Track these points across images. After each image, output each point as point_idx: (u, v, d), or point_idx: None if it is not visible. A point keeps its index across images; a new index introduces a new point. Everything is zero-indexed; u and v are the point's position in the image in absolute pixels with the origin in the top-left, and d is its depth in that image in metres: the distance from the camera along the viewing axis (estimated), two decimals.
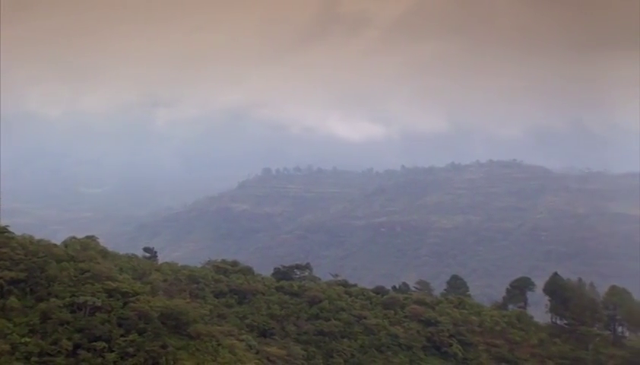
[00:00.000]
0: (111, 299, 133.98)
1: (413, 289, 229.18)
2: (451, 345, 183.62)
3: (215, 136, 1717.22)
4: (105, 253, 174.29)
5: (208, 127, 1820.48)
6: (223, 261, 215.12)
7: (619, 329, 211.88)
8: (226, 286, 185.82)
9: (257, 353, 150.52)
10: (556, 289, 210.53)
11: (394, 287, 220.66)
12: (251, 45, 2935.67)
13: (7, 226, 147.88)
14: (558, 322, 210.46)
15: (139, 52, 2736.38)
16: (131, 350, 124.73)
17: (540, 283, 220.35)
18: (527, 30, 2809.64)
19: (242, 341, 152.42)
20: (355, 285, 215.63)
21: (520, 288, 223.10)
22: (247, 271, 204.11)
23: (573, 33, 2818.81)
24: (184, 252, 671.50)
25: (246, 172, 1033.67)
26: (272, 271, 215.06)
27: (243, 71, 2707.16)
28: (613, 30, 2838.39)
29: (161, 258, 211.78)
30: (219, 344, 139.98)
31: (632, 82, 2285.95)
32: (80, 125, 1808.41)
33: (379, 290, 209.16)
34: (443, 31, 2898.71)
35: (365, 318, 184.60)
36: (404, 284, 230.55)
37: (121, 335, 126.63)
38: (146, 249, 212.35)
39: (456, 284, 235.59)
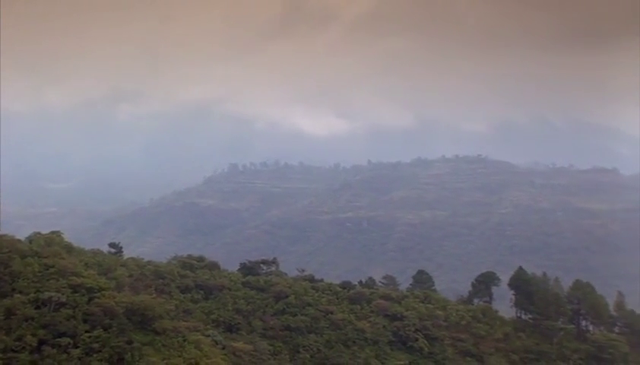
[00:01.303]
0: (76, 294, 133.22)
1: (380, 284, 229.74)
2: (416, 340, 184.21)
3: (180, 131, 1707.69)
4: (70, 249, 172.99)
5: (173, 122, 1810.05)
6: (189, 256, 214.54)
7: (583, 323, 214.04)
8: (192, 281, 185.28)
9: (223, 348, 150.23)
10: (521, 283, 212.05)
11: (360, 282, 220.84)
12: (217, 39, 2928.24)
13: None
14: (522, 316, 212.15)
15: (103, 46, 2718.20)
16: (96, 346, 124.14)
17: (505, 277, 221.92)
18: (490, 26, 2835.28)
19: (208, 336, 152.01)
20: (321, 280, 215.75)
21: (485, 283, 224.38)
22: (213, 267, 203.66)
23: (536, 29, 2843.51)
24: (150, 247, 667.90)
25: (212, 167, 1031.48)
26: (238, 267, 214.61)
27: (208, 66, 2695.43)
28: (575, 27, 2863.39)
29: (127, 254, 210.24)
30: (185, 340, 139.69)
31: (595, 78, 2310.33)
32: (44, 120, 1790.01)
33: (346, 285, 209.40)
34: (407, 28, 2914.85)
35: (331, 313, 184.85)
36: (371, 278, 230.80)
37: (86, 331, 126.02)
38: (111, 245, 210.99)
39: (422, 279, 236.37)
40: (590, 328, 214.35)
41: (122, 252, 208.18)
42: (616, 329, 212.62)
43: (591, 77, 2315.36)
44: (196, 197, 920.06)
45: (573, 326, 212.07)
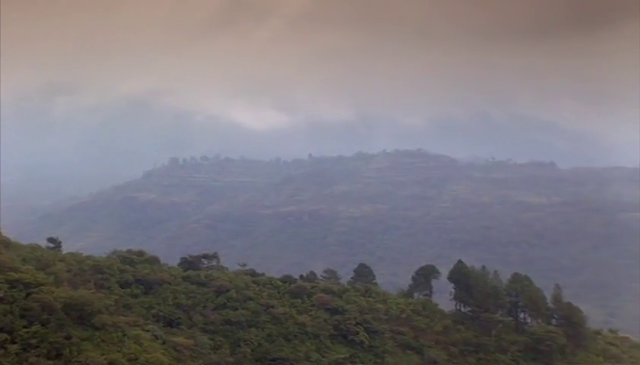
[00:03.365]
0: (13, 290, 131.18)
1: (321, 278, 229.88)
2: (357, 333, 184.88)
3: (119, 124, 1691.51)
4: (7, 243, 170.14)
5: (111, 115, 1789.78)
6: (129, 251, 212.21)
7: (521, 315, 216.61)
8: (132, 276, 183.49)
9: (163, 343, 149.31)
10: (460, 277, 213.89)
11: (301, 276, 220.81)
12: (156, 32, 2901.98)
13: None
14: (462, 309, 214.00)
15: (40, 37, 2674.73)
16: (34, 341, 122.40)
17: (445, 271, 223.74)
18: (429, 23, 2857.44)
19: (148, 331, 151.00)
20: (262, 274, 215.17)
21: (425, 276, 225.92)
22: (153, 261, 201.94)
23: (474, 26, 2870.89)
24: (89, 242, 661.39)
25: (151, 161, 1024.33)
26: (179, 261, 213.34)
27: (147, 59, 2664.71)
28: (513, 24, 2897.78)
29: (65, 249, 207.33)
30: (124, 335, 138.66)
31: (533, 72, 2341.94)
32: None
33: (287, 279, 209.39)
34: (348, 23, 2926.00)
35: (272, 307, 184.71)
36: (312, 272, 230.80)
37: (24, 327, 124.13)
38: (50, 239, 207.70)
39: (363, 273, 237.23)
40: (528, 320, 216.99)
41: (61, 246, 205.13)
42: (554, 321, 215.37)
43: (529, 73, 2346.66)
44: (136, 191, 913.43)
45: (511, 319, 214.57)
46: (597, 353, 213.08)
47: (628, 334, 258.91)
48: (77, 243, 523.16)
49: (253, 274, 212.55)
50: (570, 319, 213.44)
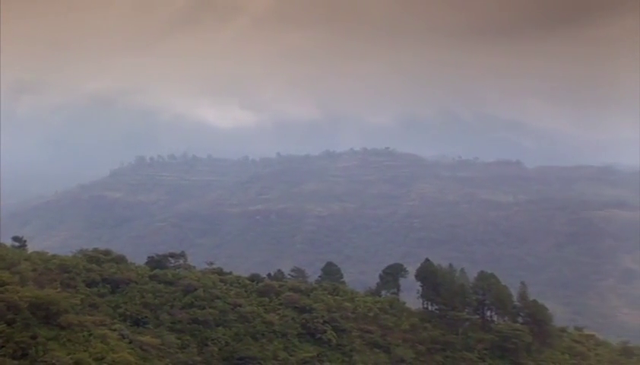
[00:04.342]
0: None
1: (289, 276, 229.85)
2: (325, 332, 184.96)
3: (84, 123, 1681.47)
4: None
5: (77, 114, 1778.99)
6: (96, 250, 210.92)
7: (488, 313, 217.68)
8: (99, 275, 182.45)
9: (130, 342, 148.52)
10: (428, 275, 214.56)
11: (269, 275, 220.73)
12: (121, 31, 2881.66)
13: None
14: (429, 307, 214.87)
15: (3, 36, 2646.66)
16: None
17: (412, 269, 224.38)
18: (396, 22, 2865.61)
19: (115, 330, 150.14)
20: (230, 273, 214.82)
21: (393, 274, 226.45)
22: (120, 260, 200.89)
23: (441, 24, 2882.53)
24: (55, 241, 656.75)
25: (118, 159, 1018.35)
26: (146, 260, 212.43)
27: (113, 57, 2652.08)
28: (480, 23, 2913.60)
29: (31, 248, 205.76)
30: (90, 334, 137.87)
31: (500, 71, 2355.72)
32: None
33: (254, 278, 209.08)
34: (314, 21, 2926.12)
35: (240, 306, 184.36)
36: (280, 271, 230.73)
37: None
38: (15, 238, 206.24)
39: (330, 271, 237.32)
40: (495, 318, 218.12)
41: (26, 245, 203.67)
42: (520, 319, 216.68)
43: (496, 73, 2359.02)
44: (102, 190, 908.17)
45: (478, 316, 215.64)
46: (562, 351, 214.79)
47: (594, 332, 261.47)
48: (43, 242, 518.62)
49: (221, 272, 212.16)
50: (536, 317, 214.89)
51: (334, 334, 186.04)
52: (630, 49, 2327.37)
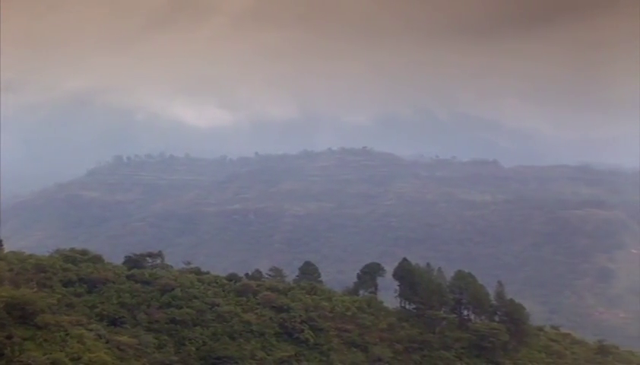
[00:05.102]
0: None
1: (266, 276, 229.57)
2: (302, 331, 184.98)
3: (61, 122, 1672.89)
4: None
5: (53, 113, 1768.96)
6: (72, 249, 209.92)
7: (465, 312, 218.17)
8: (75, 275, 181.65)
9: (107, 342, 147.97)
10: (405, 274, 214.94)
11: (247, 274, 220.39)
12: (99, 30, 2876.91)
13: None
14: (407, 306, 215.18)
15: None
16: None
17: (390, 268, 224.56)
18: (373, 21, 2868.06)
19: (92, 330, 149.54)
20: (208, 273, 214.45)
21: (370, 274, 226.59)
22: (97, 260, 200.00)
23: (418, 23, 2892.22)
24: (31, 240, 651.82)
25: (95, 158, 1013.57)
26: (123, 260, 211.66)
27: (90, 57, 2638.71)
28: (457, 22, 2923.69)
29: (7, 248, 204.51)
30: (67, 334, 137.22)
31: (476, 71, 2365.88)
32: None
33: (232, 278, 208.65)
34: (291, 21, 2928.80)
35: (217, 305, 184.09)
36: (257, 270, 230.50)
37: None
38: None
39: (308, 270, 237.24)
40: (472, 317, 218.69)
41: (2, 245, 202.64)
42: (497, 318, 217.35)
43: (473, 72, 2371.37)
44: (79, 189, 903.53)
45: (455, 316, 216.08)
46: (539, 350, 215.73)
47: (570, 331, 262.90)
48: (19, 242, 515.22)
49: (198, 272, 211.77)
50: (513, 316, 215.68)
51: (312, 333, 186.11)
52: (607, 49, 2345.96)
